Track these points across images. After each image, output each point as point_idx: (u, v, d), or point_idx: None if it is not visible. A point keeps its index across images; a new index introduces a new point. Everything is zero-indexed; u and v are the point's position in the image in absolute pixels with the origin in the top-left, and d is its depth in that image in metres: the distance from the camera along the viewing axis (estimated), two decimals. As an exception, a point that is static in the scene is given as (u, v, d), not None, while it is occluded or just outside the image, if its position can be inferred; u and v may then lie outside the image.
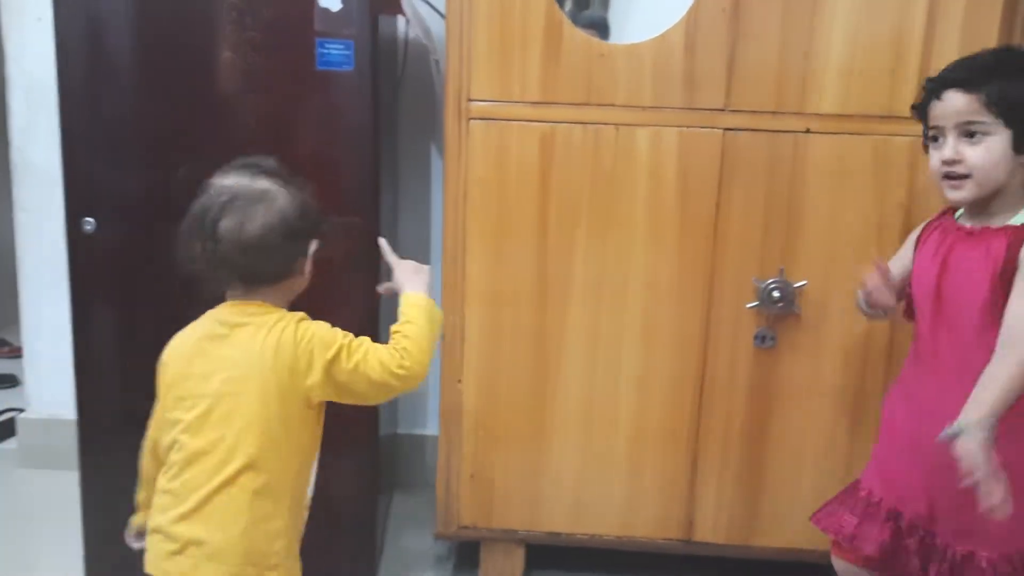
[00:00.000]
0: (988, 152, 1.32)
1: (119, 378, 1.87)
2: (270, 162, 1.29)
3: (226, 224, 1.22)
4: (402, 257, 1.43)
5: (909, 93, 1.68)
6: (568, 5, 1.83)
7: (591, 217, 1.80)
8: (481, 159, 1.78)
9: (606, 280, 1.82)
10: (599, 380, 1.86)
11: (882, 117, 1.73)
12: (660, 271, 1.81)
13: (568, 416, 1.88)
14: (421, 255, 2.30)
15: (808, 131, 1.73)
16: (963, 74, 1.35)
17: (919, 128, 1.44)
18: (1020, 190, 1.36)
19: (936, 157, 1.38)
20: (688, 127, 1.74)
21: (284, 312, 1.29)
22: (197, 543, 1.22)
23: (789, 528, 1.89)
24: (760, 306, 1.79)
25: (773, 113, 1.73)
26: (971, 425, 1.23)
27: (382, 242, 1.48)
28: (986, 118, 1.32)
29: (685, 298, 1.81)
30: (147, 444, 1.36)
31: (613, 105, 1.75)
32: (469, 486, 1.93)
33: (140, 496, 1.39)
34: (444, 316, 1.85)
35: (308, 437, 1.30)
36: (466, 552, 2.10)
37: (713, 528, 1.90)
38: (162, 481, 1.27)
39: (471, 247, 1.83)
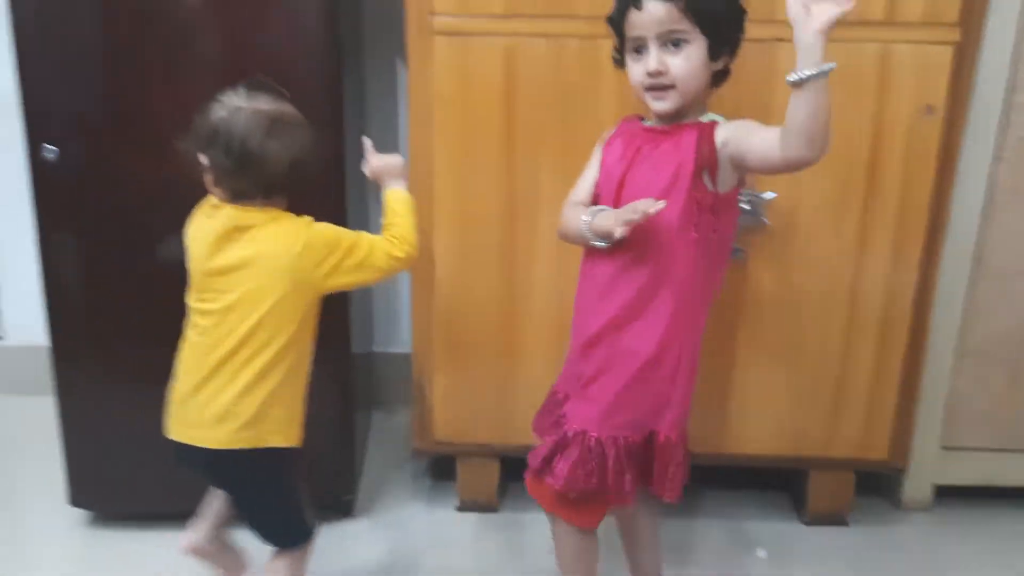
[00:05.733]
0: (689, 61, 1.34)
1: (88, 303, 1.86)
2: (271, 84, 1.43)
3: (274, 146, 1.37)
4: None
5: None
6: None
7: (557, 132, 1.78)
8: (445, 76, 1.76)
9: (575, 196, 1.81)
10: (569, 295, 1.85)
11: (880, 23, 1.69)
12: (628, 186, 1.80)
13: (539, 331, 1.90)
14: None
15: (779, 39, 1.70)
16: None
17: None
18: (706, 97, 1.41)
19: (639, 70, 1.37)
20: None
21: (293, 215, 1.43)
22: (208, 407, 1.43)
23: (757, 435, 1.95)
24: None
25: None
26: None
27: (366, 141, 1.60)
28: (685, 26, 1.32)
29: (653, 212, 1.81)
30: None
31: (576, 16, 1.71)
32: (443, 403, 1.96)
33: None
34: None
35: (311, 324, 1.48)
36: (443, 467, 2.15)
37: (683, 438, 1.94)
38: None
39: (438, 167, 1.81)
